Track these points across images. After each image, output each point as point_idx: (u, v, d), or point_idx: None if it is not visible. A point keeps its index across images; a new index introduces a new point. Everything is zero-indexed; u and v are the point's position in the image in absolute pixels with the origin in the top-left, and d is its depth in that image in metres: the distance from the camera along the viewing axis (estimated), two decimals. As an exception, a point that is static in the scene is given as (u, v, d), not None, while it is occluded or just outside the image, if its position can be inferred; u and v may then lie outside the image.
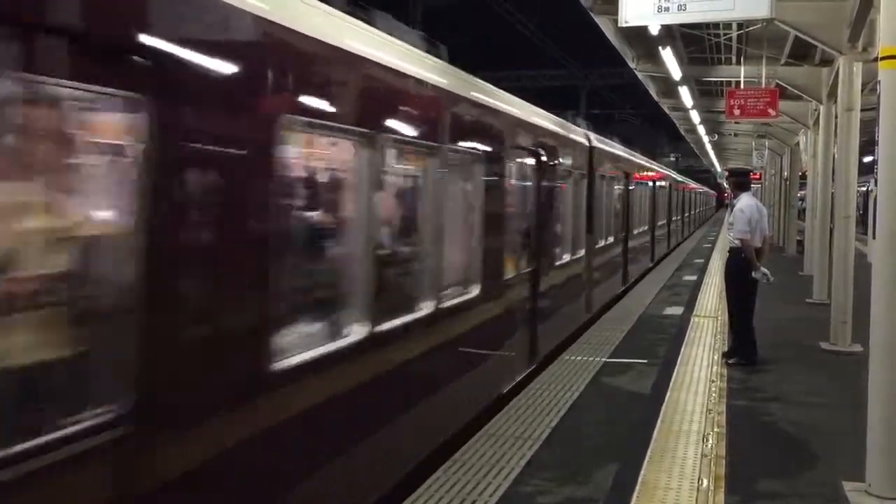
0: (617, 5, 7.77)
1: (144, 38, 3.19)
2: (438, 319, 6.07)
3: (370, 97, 5.20)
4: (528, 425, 6.65)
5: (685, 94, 19.20)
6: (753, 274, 8.88)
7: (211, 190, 3.61)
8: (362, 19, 5.39)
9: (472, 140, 7.00)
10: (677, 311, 13.21)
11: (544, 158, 9.24)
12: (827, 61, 14.28)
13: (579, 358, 9.35)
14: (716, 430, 6.62)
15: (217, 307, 3.66)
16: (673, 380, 8.31)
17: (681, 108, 23.51)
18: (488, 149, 7.24)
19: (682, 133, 36.42)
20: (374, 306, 4.98)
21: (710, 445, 6.20)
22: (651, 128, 48.59)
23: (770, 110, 14.85)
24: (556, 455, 5.99)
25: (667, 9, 7.62)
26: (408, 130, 5.71)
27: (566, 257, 10.83)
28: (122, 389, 3.11)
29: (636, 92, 30.66)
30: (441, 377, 6.35)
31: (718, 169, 54.11)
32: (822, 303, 13.08)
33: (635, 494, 5.21)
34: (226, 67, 3.74)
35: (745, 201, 9.16)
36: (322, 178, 5.05)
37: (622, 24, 7.88)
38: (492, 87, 8.03)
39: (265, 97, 4.03)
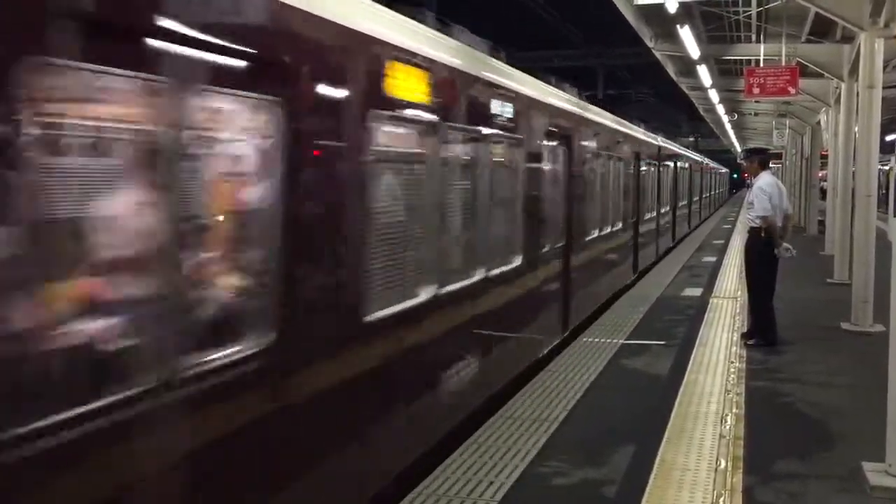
0: (633, -17, 7.68)
1: None
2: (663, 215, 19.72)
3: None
4: (546, 407, 6.65)
5: (704, 73, 19.00)
6: (776, 251, 8.80)
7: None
8: None
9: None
10: (696, 292, 13.13)
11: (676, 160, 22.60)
12: (848, 38, 14.07)
13: (597, 340, 9.33)
14: (734, 411, 6.59)
15: None
16: (691, 361, 8.27)
17: (700, 88, 23.27)
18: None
19: (702, 113, 36.07)
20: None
21: (728, 426, 6.17)
22: (670, 108, 48.13)
23: (790, 88, 14.66)
24: (573, 436, 5.99)
25: (684, -14, 7.52)
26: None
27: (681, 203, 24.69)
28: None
29: (654, 72, 30.35)
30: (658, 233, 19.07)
31: (738, 149, 53.70)
32: (843, 283, 12.94)
33: (652, 475, 5.20)
34: None
35: (765, 179, 9.05)
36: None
37: (637, 1, 7.79)
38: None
39: None
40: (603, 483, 5.13)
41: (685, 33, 13.88)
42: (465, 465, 5.36)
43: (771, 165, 9.94)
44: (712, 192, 42.79)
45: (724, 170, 56.69)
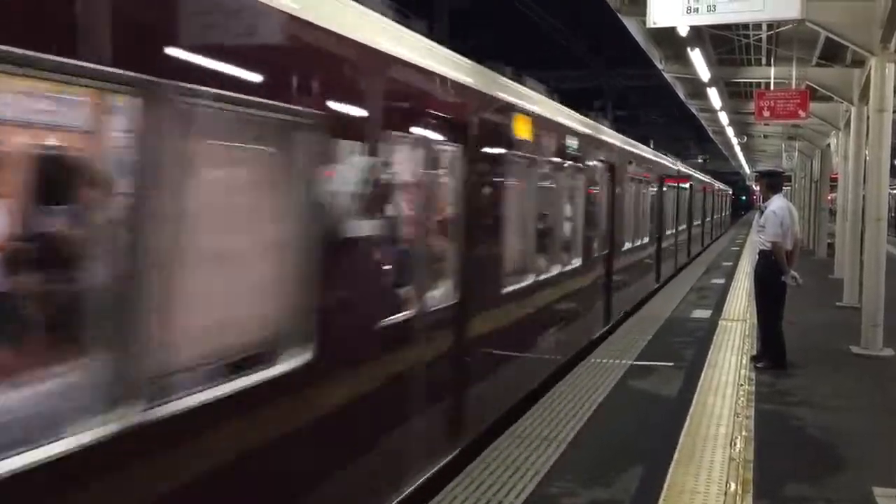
0: (644, 6, 7.72)
1: None
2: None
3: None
4: (554, 427, 6.64)
5: (714, 95, 19.04)
6: (783, 277, 8.78)
7: None
8: None
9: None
10: (705, 314, 13.10)
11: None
12: (858, 62, 14.09)
13: (605, 360, 9.31)
14: (744, 433, 6.56)
15: None
16: (700, 383, 8.25)
17: (709, 110, 23.32)
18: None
19: (711, 135, 36.10)
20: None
21: (737, 449, 6.15)
22: (679, 130, 48.26)
23: (800, 112, 14.70)
24: (582, 457, 5.97)
25: (696, 9, 7.57)
26: None
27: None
28: None
29: (664, 93, 30.43)
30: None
31: (747, 171, 53.69)
32: (852, 307, 12.90)
33: (661, 498, 5.18)
34: None
35: (777, 203, 9.05)
36: None
37: (650, 24, 7.84)
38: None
39: None
40: (612, 504, 5.12)
41: (696, 56, 13.94)
42: (472, 484, 5.35)
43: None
44: (705, 221, 31.55)
45: (728, 190, 56.36)
